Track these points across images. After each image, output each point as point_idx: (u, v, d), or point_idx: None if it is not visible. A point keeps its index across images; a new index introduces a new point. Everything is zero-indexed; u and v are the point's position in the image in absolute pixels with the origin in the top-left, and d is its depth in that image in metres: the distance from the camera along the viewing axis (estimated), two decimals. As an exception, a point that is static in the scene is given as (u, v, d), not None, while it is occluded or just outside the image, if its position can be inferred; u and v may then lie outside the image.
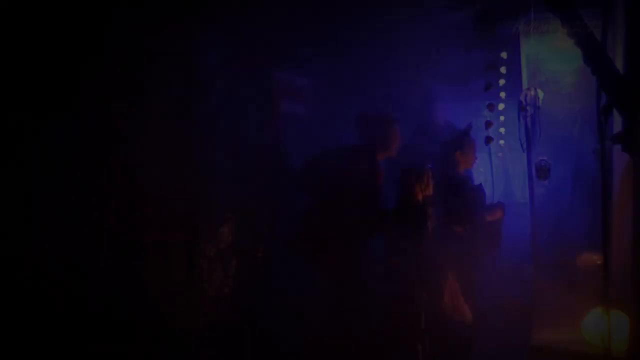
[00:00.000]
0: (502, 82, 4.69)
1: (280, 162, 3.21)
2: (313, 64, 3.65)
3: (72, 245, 1.94)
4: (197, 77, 2.54)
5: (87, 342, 1.96)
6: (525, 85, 4.48)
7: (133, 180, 2.13)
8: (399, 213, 3.14)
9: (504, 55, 4.61)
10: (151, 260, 2.21)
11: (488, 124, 4.47)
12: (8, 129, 1.79)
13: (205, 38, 2.61)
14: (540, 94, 4.18)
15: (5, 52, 1.78)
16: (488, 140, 4.46)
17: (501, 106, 4.81)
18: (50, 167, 1.89)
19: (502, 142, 5.01)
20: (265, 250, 2.98)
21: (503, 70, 4.65)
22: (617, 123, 3.62)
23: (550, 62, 4.53)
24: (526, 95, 4.17)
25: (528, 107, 4.12)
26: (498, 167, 5.35)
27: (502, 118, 4.91)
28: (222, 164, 2.69)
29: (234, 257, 2.73)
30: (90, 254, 2.00)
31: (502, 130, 4.95)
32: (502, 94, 4.75)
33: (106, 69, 2.06)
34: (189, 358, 2.42)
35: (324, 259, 2.97)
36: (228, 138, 2.73)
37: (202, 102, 2.58)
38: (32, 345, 1.85)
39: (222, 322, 2.63)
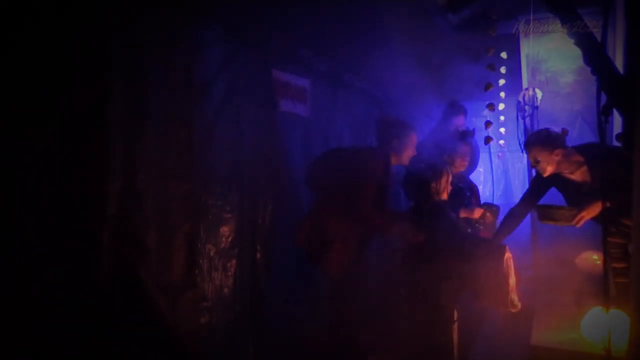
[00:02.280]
0: (502, 82, 4.70)
1: (280, 162, 3.21)
2: (314, 64, 3.65)
3: (71, 245, 1.94)
4: (197, 77, 2.54)
5: (86, 342, 1.96)
6: (525, 85, 4.49)
7: (133, 180, 2.13)
8: (418, 210, 3.13)
9: (504, 55, 4.63)
10: (151, 260, 2.21)
11: (488, 124, 4.47)
12: (7, 129, 1.79)
13: (205, 37, 2.61)
14: (539, 93, 4.18)
15: (4, 51, 1.78)
16: (488, 140, 4.47)
17: (501, 106, 4.82)
18: (49, 167, 1.89)
19: (502, 142, 5.02)
20: (265, 250, 2.98)
21: (503, 70, 4.66)
22: (617, 123, 3.64)
23: (550, 62, 4.54)
24: (524, 95, 4.18)
25: (527, 107, 4.13)
26: (498, 167, 5.37)
27: (502, 118, 4.92)
28: (222, 164, 2.69)
29: (234, 257, 2.73)
30: (89, 253, 2.00)
31: (502, 130, 4.96)
32: (502, 94, 4.77)
33: (105, 67, 2.05)
34: (189, 358, 2.42)
35: (328, 258, 2.96)
36: (228, 137, 2.73)
37: (202, 101, 2.57)
38: (31, 345, 1.85)
39: (222, 322, 2.63)
